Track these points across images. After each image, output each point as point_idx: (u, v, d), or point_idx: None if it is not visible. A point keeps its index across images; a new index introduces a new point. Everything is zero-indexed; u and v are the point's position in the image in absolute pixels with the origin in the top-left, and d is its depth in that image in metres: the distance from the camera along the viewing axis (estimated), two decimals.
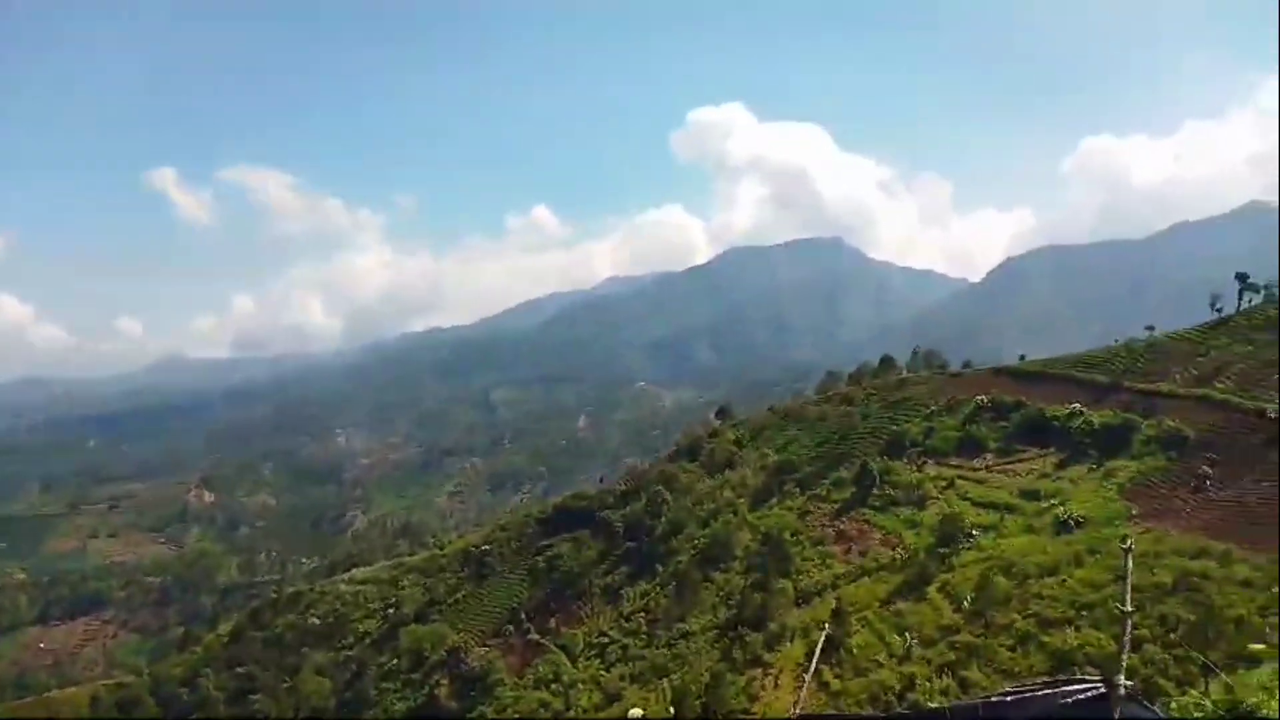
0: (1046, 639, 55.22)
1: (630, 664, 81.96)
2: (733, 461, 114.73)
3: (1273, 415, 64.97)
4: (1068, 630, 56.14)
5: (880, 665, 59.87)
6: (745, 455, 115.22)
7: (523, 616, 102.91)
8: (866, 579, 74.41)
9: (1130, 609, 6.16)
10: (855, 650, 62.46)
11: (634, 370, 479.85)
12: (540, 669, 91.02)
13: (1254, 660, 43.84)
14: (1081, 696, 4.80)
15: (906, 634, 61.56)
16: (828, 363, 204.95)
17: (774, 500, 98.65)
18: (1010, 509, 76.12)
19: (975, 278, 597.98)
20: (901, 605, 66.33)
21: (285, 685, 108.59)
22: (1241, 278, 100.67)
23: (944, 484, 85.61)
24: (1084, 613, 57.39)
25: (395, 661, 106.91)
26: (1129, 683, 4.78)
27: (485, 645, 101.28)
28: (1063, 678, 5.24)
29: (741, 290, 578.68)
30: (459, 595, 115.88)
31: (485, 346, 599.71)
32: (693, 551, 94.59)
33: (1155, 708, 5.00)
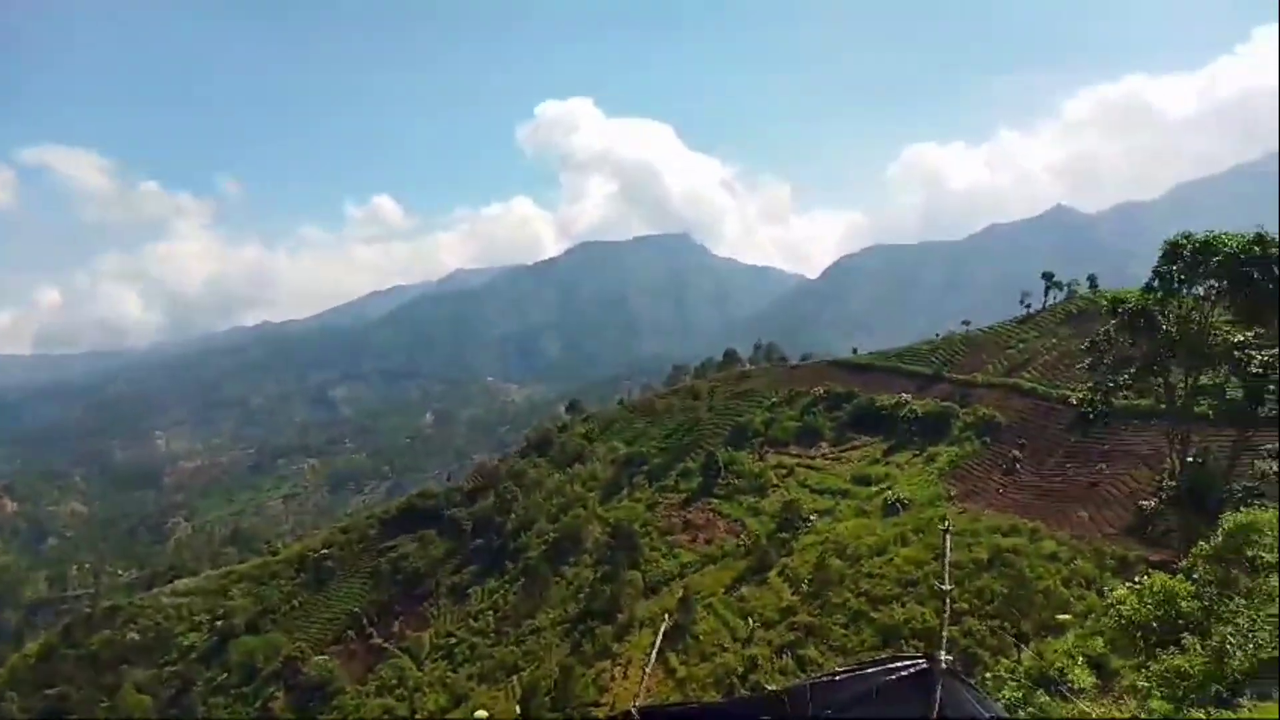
0: (876, 615, 58.36)
1: (478, 663, 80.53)
2: (583, 455, 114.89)
3: (1074, 402, 70.84)
4: (895, 606, 59.64)
5: (725, 649, 61.50)
6: (595, 449, 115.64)
7: (365, 621, 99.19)
8: (713, 566, 76.29)
9: (949, 586, 6.33)
10: (701, 636, 63.90)
11: (483, 366, 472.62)
12: (384, 674, 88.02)
13: (1060, 629, 48.03)
14: (905, 673, 4.82)
15: (749, 618, 63.52)
16: (676, 357, 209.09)
17: (624, 493, 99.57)
18: (844, 494, 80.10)
19: (812, 274, 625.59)
20: (745, 590, 68.40)
21: (103, 705, 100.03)
22: (1047, 276, 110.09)
23: (784, 472, 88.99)
24: (910, 589, 61.09)
25: (225, 675, 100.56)
26: (949, 657, 4.82)
27: (324, 653, 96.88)
28: (889, 655, 5.27)
29: (591, 285, 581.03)
30: (295, 603, 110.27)
31: (323, 342, 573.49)
32: (543, 546, 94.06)
33: (973, 681, 5.08)
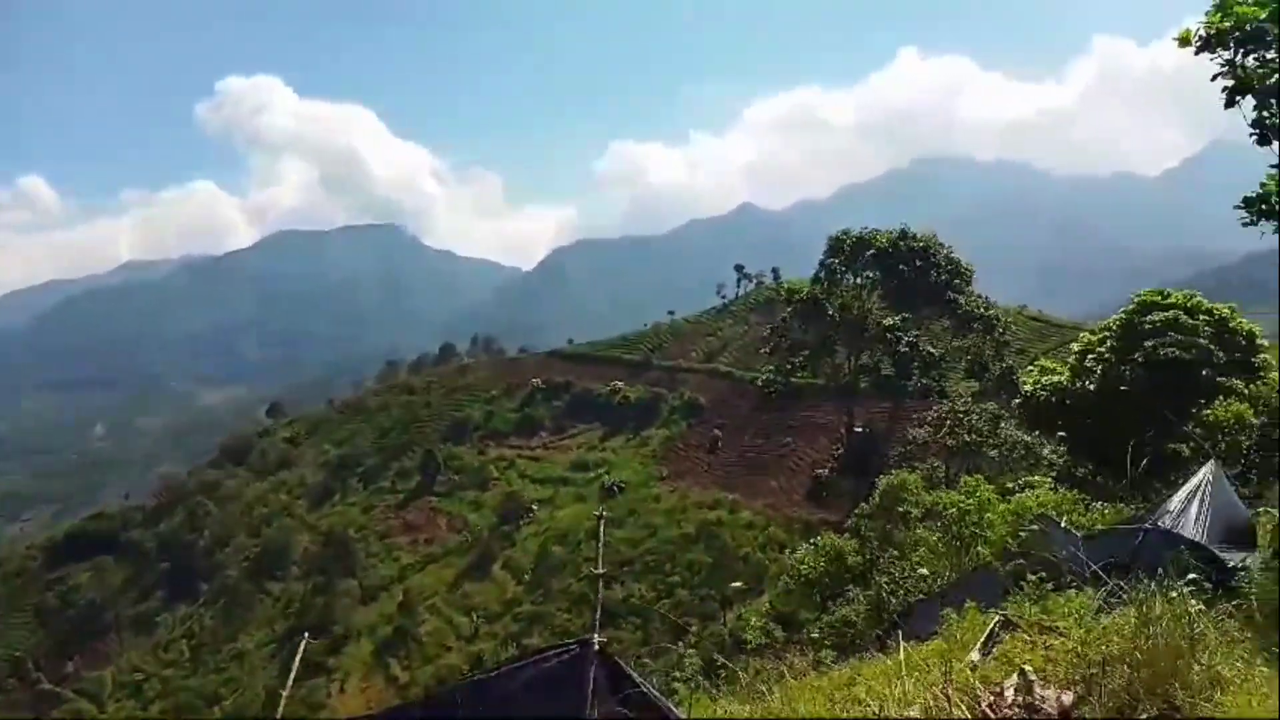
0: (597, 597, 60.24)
1: (173, 697, 72.49)
2: (288, 461, 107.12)
3: (760, 383, 77.24)
4: (615, 586, 62.10)
5: (449, 649, 60.52)
6: (302, 453, 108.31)
7: (30, 665, 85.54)
8: (435, 566, 74.69)
9: (602, 570, 6.57)
10: (425, 638, 62.43)
11: (166, 369, 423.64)
12: None
13: (741, 593, 52.63)
14: (560, 659, 4.98)
15: (473, 614, 63.03)
16: (391, 353, 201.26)
17: (336, 498, 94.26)
18: (564, 482, 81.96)
19: (528, 267, 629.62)
20: (469, 587, 67.80)
21: None
22: (739, 269, 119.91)
23: (505, 464, 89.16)
24: (627, 568, 63.93)
25: None
26: (602, 639, 5.02)
27: None
28: (545, 646, 5.43)
29: (293, 277, 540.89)
30: None
31: None
32: (244, 563, 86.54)
33: (632, 668, 5.35)
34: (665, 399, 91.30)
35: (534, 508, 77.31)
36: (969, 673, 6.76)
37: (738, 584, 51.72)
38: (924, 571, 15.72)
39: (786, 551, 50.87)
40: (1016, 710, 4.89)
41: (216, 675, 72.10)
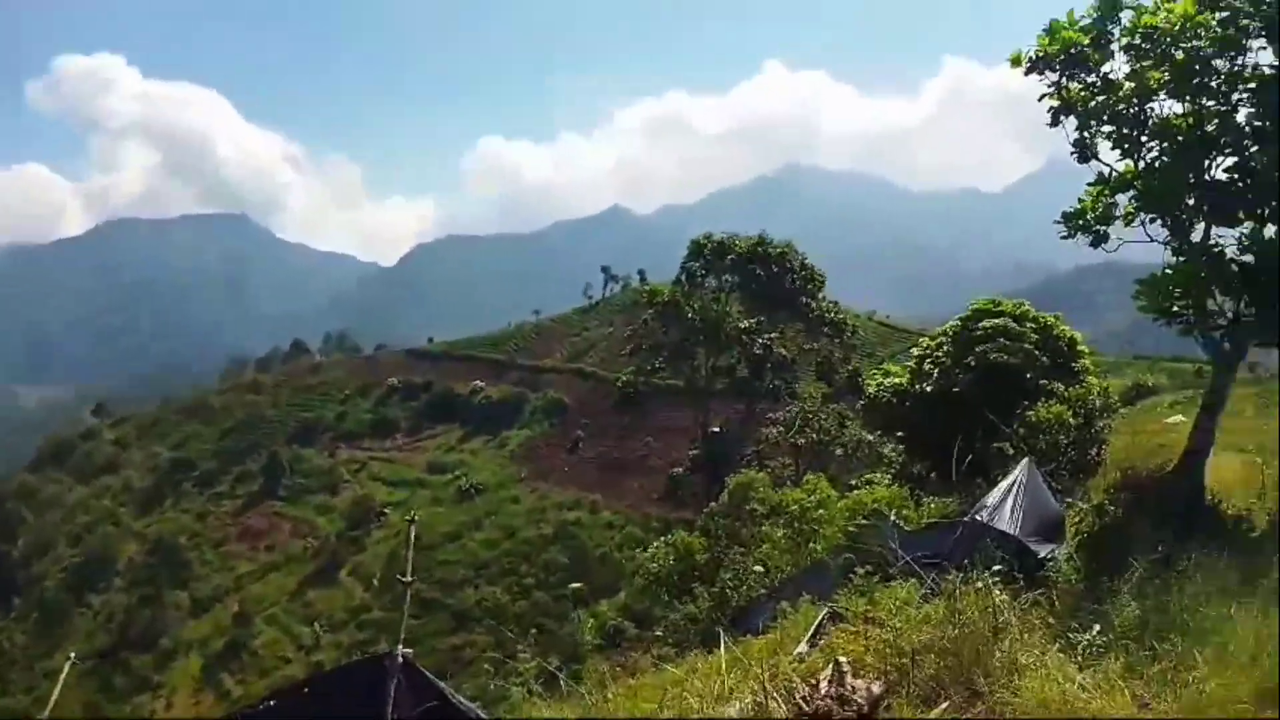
0: (450, 601, 59.09)
1: None
2: (114, 465, 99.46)
3: (620, 384, 77.69)
4: (469, 590, 61.04)
5: (288, 660, 57.80)
6: (130, 456, 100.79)
7: None
8: (276, 574, 71.19)
9: (410, 579, 6.26)
10: (261, 650, 59.40)
11: None
12: None
13: (583, 594, 52.96)
14: (363, 673, 4.71)
15: (316, 623, 60.52)
16: (236, 350, 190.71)
17: (168, 504, 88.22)
18: (420, 484, 79.83)
19: (388, 262, 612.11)
20: (312, 594, 65.01)
21: None
22: (606, 270, 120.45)
23: (357, 467, 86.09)
24: (482, 571, 62.95)
25: None
26: (408, 651, 4.76)
27: None
28: (353, 660, 5.12)
29: (131, 268, 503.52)
30: None
31: None
32: (61, 574, 79.70)
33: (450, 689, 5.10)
34: (528, 399, 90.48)
35: (386, 511, 74.89)
36: (796, 665, 6.84)
37: (578, 585, 52.11)
38: (758, 568, 16.05)
39: (638, 550, 51.45)
40: (829, 702, 4.92)
41: (25, 695, 66.06)
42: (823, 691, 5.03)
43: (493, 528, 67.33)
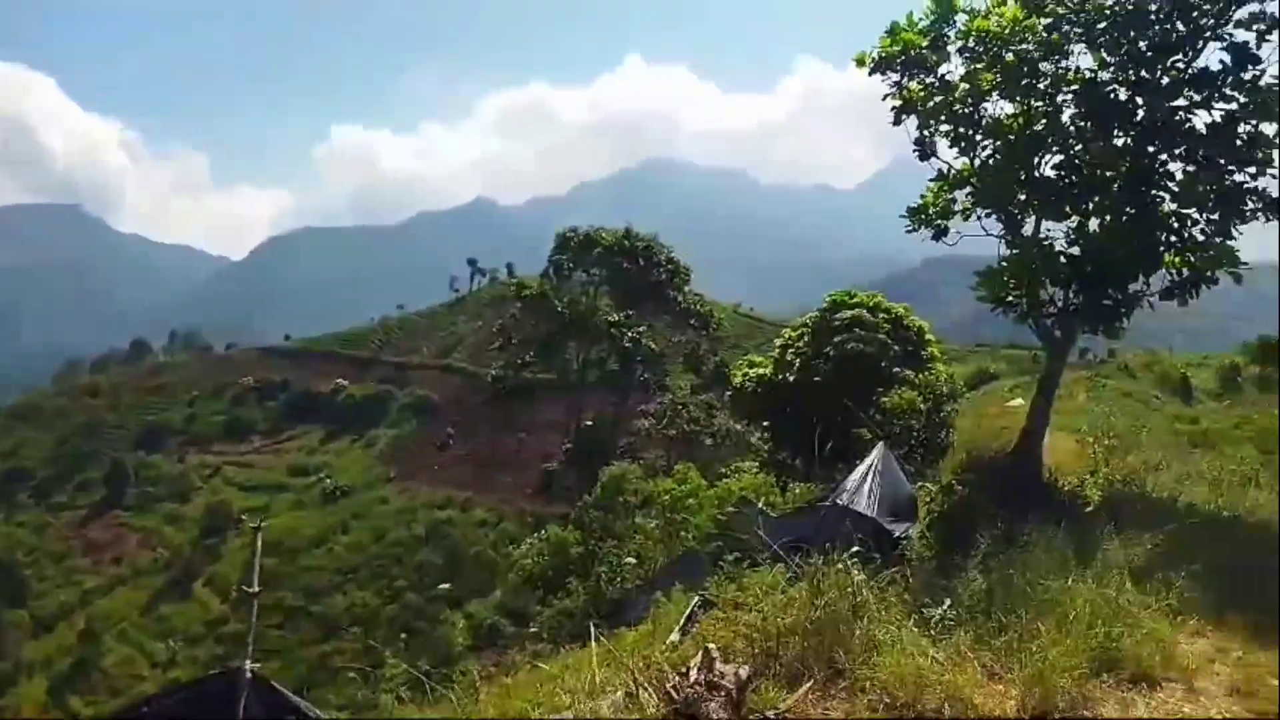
0: (316, 609, 56.86)
1: None
2: None
3: (491, 379, 76.76)
4: (337, 596, 58.88)
5: (143, 678, 54.30)
6: None
7: None
8: (124, 588, 66.63)
9: (256, 589, 6.00)
10: (111, 669, 55.54)
11: None
12: None
13: (450, 594, 52.34)
14: (209, 690, 4.48)
15: (170, 639, 57.12)
16: (71, 350, 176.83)
17: (0, 516, 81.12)
18: (280, 488, 76.41)
19: (239, 256, 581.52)
20: (165, 608, 61.22)
21: None
22: (472, 263, 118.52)
23: (210, 472, 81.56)
24: (351, 576, 60.82)
25: None
26: (255, 665, 4.53)
27: None
28: (200, 677, 4.86)
29: None
30: None
31: None
32: None
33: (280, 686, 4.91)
34: (394, 397, 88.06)
35: (244, 518, 71.29)
36: (668, 655, 6.93)
37: (446, 585, 51.38)
38: (630, 560, 16.20)
39: (513, 547, 51.09)
40: (698, 689, 5.00)
41: None
42: (692, 679, 5.11)
43: (361, 530, 65.22)
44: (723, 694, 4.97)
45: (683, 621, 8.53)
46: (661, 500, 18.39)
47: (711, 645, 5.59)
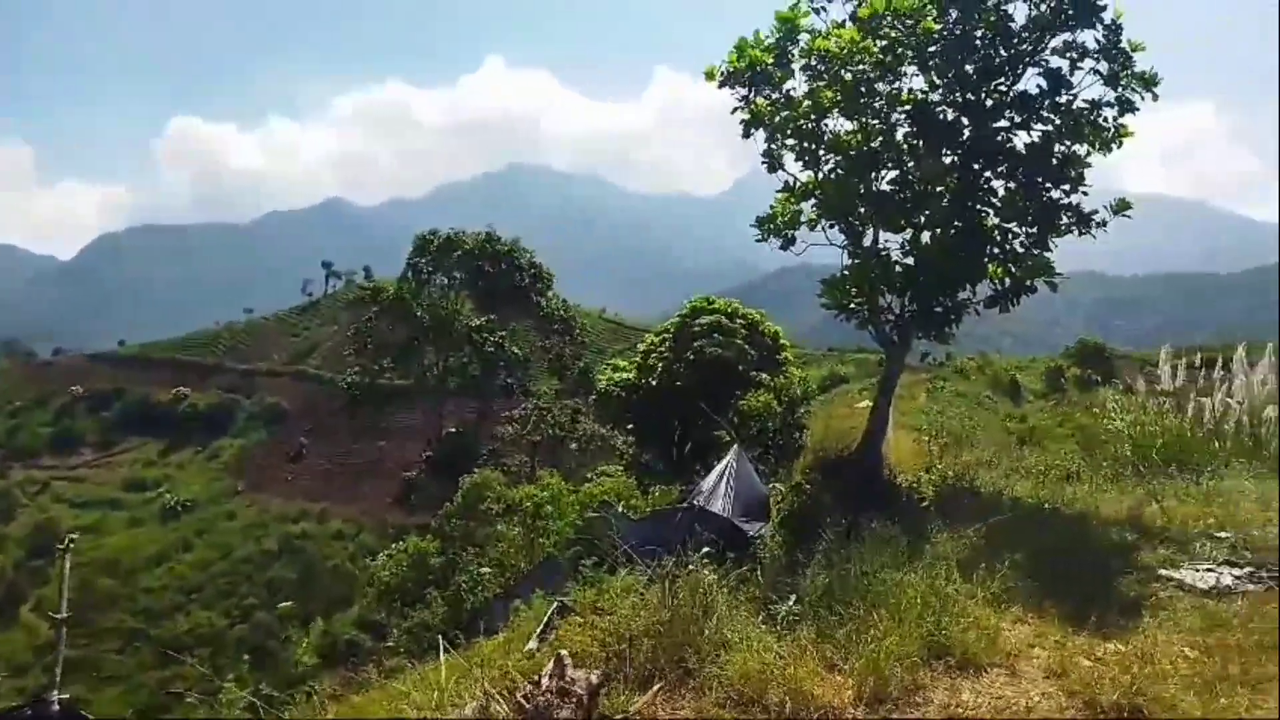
0: (156, 631, 53.52)
1: None
2: None
3: (346, 386, 74.28)
4: (179, 617, 55.50)
5: None
6: None
7: None
8: None
9: (64, 614, 5.63)
10: None
11: None
12: None
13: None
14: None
15: None
16: None
17: None
18: (114, 504, 71.44)
19: (66, 255, 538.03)
20: None
21: None
22: (327, 265, 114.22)
23: (36, 488, 75.31)
24: (194, 596, 57.45)
25: None
26: (64, 696, 4.25)
27: None
28: (3, 711, 4.50)
29: None
30: None
31: None
32: None
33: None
34: (241, 406, 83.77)
35: (74, 536, 66.00)
36: (524, 663, 6.88)
37: (287, 604, 49.60)
38: (485, 570, 16.04)
39: (370, 560, 49.66)
40: (549, 696, 4.99)
41: None
42: (544, 687, 5.10)
43: (205, 547, 61.76)
44: (574, 700, 4.99)
45: (540, 629, 8.49)
46: (524, 507, 18.31)
47: (564, 652, 5.59)
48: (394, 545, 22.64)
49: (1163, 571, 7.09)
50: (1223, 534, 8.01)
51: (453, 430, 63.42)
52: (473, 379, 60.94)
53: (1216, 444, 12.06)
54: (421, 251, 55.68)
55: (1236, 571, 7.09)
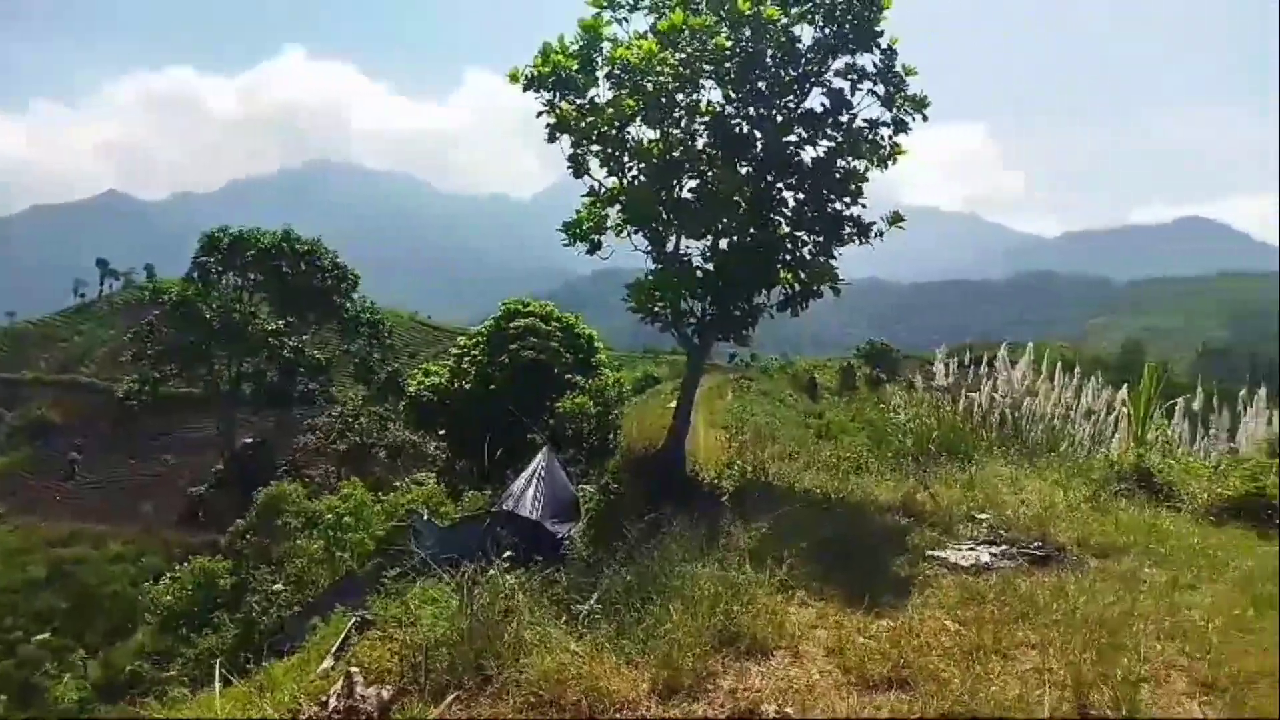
0: None
1: None
2: None
3: (121, 395, 68.31)
4: None
5: None
6: None
7: None
8: None
9: None
10: None
11: None
12: None
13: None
14: None
15: None
16: None
17: None
18: None
19: None
20: None
21: None
22: (102, 263, 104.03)
23: None
24: None
25: None
26: None
27: None
28: None
29: None
30: None
31: None
32: None
33: None
34: (2, 419, 75.40)
35: None
36: (318, 682, 6.53)
37: (44, 635, 45.50)
38: (280, 587, 15.18)
39: (151, 584, 45.95)
40: (336, 716, 4.78)
41: None
42: (330, 707, 4.87)
43: None
44: (363, 718, 4.80)
45: (337, 646, 8.10)
46: (325, 519, 17.40)
47: (354, 669, 5.36)
48: (178, 566, 20.88)
49: (930, 552, 7.70)
50: (982, 515, 8.83)
51: (249, 441, 59.49)
52: (270, 386, 57.30)
53: (983, 434, 13.40)
54: (210, 249, 51.56)
55: (993, 549, 7.81)
